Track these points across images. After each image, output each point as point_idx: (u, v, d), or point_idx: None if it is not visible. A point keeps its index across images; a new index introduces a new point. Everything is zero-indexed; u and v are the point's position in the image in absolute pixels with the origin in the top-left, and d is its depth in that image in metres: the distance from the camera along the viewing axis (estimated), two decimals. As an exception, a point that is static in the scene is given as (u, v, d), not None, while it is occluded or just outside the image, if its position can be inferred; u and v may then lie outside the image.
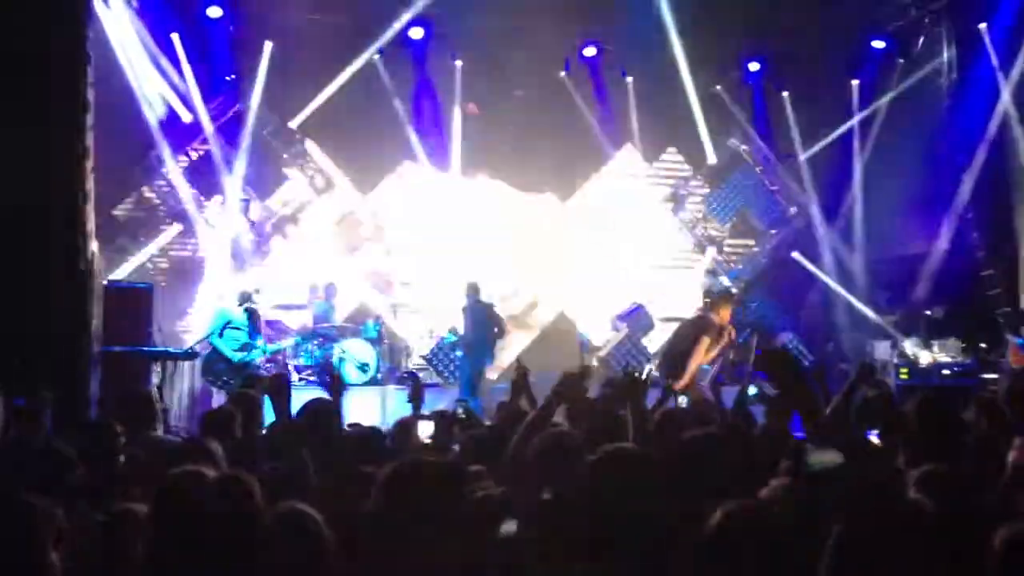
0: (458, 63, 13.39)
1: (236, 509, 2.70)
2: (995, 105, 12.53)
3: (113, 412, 5.43)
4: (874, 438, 4.64)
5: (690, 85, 13.61)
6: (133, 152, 12.01)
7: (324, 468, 3.94)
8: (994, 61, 12.51)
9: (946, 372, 11.16)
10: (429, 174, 13.60)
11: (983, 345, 11.89)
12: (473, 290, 11.28)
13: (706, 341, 8.21)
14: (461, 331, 11.58)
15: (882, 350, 12.38)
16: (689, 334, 8.56)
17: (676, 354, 8.57)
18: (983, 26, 12.62)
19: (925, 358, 11.60)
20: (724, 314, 8.51)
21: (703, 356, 8.28)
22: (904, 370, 11.35)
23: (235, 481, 2.82)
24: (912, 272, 13.23)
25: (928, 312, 12.75)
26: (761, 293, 14.20)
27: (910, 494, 2.91)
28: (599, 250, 14.27)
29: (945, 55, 13.58)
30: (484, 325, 11.10)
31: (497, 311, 11.40)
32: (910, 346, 11.84)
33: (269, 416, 5.08)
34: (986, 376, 10.99)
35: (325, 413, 4.66)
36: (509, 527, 2.96)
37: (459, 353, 11.72)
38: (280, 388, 4.68)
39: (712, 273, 14.23)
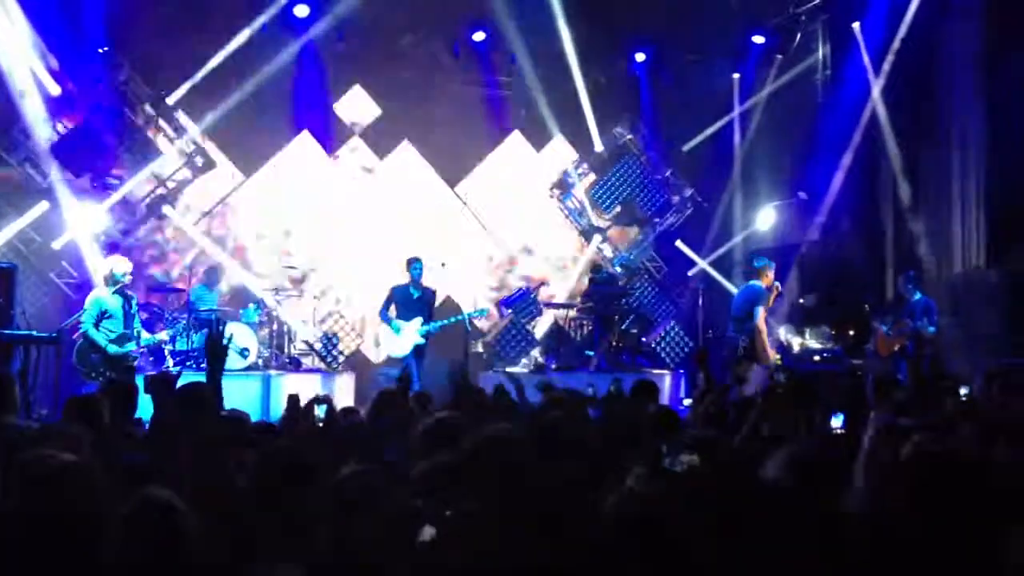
0: (344, 44, 13.15)
1: (74, 499, 2.58)
2: (866, 101, 13.07)
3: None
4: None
5: (578, 73, 13.72)
6: (-4, 125, 11.38)
7: (197, 454, 3.84)
8: (865, 59, 13.05)
9: (816, 358, 11.62)
10: (313, 156, 13.37)
11: (851, 332, 12.41)
12: (419, 269, 10.44)
13: (763, 311, 9.62)
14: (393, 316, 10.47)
15: (757, 336, 12.79)
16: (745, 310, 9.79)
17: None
18: (856, 25, 13.16)
19: (797, 344, 12.03)
20: (769, 275, 9.86)
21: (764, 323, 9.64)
22: (777, 356, 11.74)
23: (74, 469, 2.69)
24: (786, 261, 13.71)
25: (801, 300, 13.27)
26: (643, 281, 14.46)
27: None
28: (486, 236, 14.28)
29: (820, 52, 14.13)
30: (429, 311, 10.49)
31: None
32: (783, 332, 12.26)
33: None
34: (854, 362, 11.47)
35: (199, 400, 4.51)
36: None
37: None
38: (163, 386, 4.56)
39: (596, 262, 14.40)
